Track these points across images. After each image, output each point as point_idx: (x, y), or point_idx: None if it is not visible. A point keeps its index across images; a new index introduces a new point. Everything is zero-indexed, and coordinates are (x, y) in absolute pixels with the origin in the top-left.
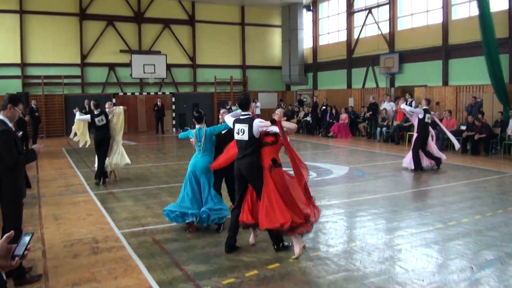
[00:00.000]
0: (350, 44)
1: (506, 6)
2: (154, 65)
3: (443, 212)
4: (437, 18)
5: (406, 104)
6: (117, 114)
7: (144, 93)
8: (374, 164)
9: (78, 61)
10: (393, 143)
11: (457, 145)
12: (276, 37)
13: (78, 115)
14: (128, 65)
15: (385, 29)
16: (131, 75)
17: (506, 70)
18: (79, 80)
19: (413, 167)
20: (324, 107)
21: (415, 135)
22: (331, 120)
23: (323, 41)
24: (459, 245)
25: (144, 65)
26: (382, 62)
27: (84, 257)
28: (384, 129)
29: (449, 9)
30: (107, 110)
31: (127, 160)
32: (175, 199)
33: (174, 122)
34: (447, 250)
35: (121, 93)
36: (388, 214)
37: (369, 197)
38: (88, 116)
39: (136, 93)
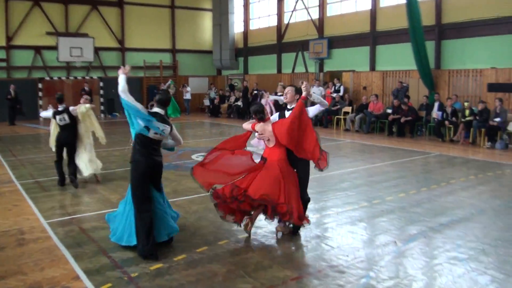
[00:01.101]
0: (280, 29)
1: None
2: (81, 48)
3: (368, 192)
4: (365, 5)
5: (334, 88)
6: (80, 113)
7: (71, 78)
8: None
9: (4, 44)
10: (322, 127)
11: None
12: (207, 21)
13: (43, 112)
14: (55, 48)
15: (315, 15)
16: (57, 58)
17: (432, 56)
18: (4, 64)
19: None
20: (255, 92)
21: None
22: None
23: (254, 25)
24: (383, 222)
25: (71, 48)
26: (311, 47)
27: (10, 250)
28: None
29: None
30: (71, 108)
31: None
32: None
33: (102, 107)
34: (372, 227)
35: (47, 78)
36: (316, 195)
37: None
38: (50, 113)
39: (63, 78)
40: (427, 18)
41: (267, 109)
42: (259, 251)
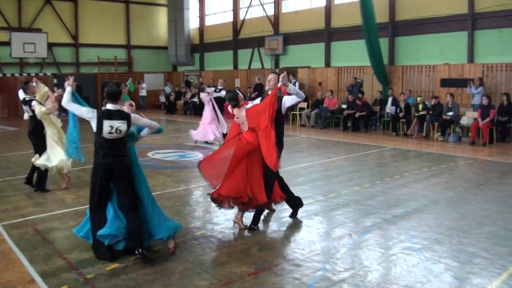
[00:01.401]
0: (236, 25)
1: None
2: (35, 44)
3: (323, 186)
4: (320, 2)
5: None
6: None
7: (25, 74)
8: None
9: None
10: None
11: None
12: (162, 17)
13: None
14: (8, 43)
15: (270, 11)
16: (10, 54)
17: (385, 53)
18: None
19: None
20: (212, 88)
21: None
22: None
23: (209, 21)
24: (338, 215)
25: (24, 43)
26: (267, 44)
27: None
28: None
29: None
30: (33, 103)
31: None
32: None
33: (56, 105)
34: (328, 220)
35: (0, 75)
36: None
37: None
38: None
39: (16, 74)
40: (381, 16)
41: (209, 105)
42: (217, 247)
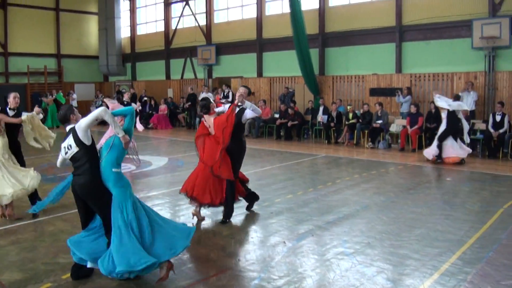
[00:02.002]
0: (168, 35)
1: (316, 6)
2: None
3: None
4: (251, 13)
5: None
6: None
7: None
8: (193, 153)
9: None
10: None
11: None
12: (92, 25)
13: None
14: None
15: (202, 21)
16: None
17: (316, 63)
18: None
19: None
20: (145, 99)
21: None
22: (150, 112)
23: (141, 30)
24: (273, 224)
25: None
26: (199, 54)
27: None
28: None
29: (263, 5)
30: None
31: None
32: None
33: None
34: (262, 229)
35: None
36: None
37: None
38: None
39: None
40: (311, 27)
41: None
42: None
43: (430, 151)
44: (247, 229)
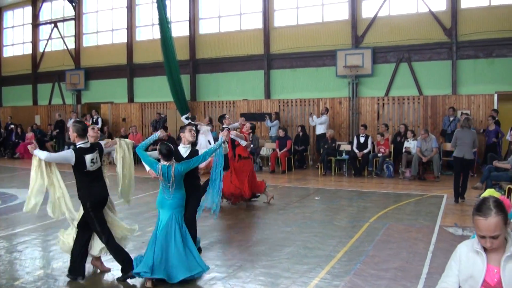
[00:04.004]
0: (36, 58)
1: (187, 33)
2: None
3: (128, 225)
4: (122, 37)
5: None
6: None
7: None
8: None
9: None
10: None
11: None
12: None
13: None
14: None
15: (71, 45)
16: None
17: (188, 89)
18: None
19: None
20: (11, 126)
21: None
22: (16, 140)
23: (7, 53)
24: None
25: None
26: (68, 78)
27: None
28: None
29: (133, 30)
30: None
31: None
32: None
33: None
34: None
35: None
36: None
37: (55, 220)
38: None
39: None
40: (182, 53)
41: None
42: None
43: None
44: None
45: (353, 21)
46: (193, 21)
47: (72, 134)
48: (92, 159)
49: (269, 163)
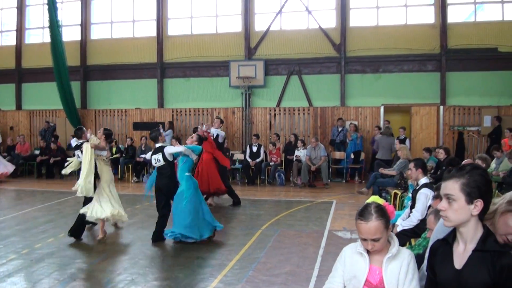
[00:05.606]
0: None
1: (78, 37)
2: None
3: (16, 242)
4: (11, 40)
5: None
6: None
7: None
8: None
9: None
10: None
11: None
12: None
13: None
14: None
15: None
16: None
17: (78, 96)
18: None
19: None
20: None
21: None
22: None
23: None
24: (34, 272)
25: None
26: None
27: None
28: None
29: (23, 33)
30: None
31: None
32: None
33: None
34: (23, 280)
35: None
36: None
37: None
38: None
39: None
40: (73, 59)
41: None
42: None
43: None
44: (6, 282)
45: (246, 33)
46: (85, 26)
47: None
48: None
49: None
